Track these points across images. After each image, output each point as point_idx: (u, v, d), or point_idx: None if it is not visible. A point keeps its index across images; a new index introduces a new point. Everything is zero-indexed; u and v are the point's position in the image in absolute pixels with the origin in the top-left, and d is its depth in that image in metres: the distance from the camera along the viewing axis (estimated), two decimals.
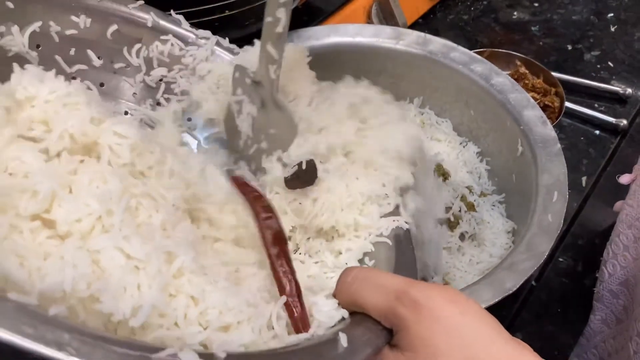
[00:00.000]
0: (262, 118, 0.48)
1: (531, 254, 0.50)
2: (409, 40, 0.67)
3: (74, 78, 0.49)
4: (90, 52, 0.50)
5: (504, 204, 0.62)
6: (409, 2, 0.86)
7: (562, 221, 0.52)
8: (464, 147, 0.67)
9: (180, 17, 0.53)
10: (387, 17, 0.81)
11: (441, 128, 0.69)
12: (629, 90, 0.81)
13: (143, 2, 0.52)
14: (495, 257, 0.57)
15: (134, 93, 0.52)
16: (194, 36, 0.53)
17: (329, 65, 0.66)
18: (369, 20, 0.82)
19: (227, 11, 0.60)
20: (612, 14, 0.95)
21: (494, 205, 0.62)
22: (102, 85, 0.51)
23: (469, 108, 0.66)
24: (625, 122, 0.77)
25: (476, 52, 0.67)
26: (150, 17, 0.51)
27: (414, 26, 0.88)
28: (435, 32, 0.89)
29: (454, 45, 0.67)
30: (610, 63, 0.87)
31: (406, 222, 0.44)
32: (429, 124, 0.69)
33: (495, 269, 0.50)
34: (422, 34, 0.68)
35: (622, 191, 0.70)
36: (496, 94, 0.62)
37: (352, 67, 0.67)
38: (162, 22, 0.52)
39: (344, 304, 0.36)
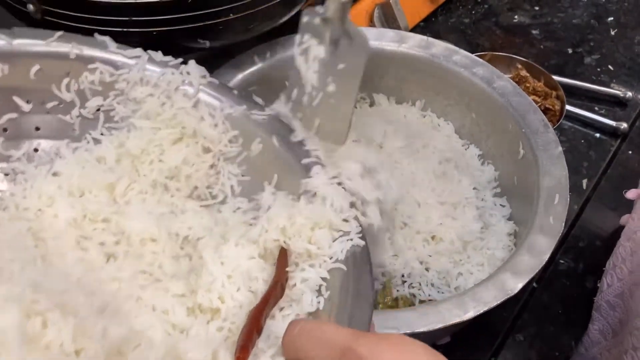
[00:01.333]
0: (331, 56, 0.47)
1: (532, 256, 0.50)
2: (411, 44, 0.67)
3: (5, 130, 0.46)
4: (16, 99, 0.47)
5: (506, 207, 0.62)
6: (411, 5, 0.86)
7: (564, 223, 0.52)
8: (465, 149, 0.67)
9: (106, 39, 0.50)
10: (389, 20, 0.82)
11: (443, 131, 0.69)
12: (629, 94, 0.82)
13: (62, 32, 0.48)
14: (496, 260, 0.57)
15: (73, 129, 0.48)
16: (123, 58, 0.50)
17: None
18: (371, 24, 0.82)
19: (231, 15, 0.61)
20: (612, 18, 0.95)
21: (495, 205, 0.63)
22: (37, 129, 0.48)
23: (470, 111, 0.66)
24: (625, 125, 0.77)
25: (477, 56, 0.68)
26: (71, 48, 0.48)
27: (415, 29, 0.89)
28: (437, 35, 0.89)
29: (456, 48, 0.67)
30: (610, 66, 0.87)
31: (361, 239, 0.41)
32: (430, 127, 0.70)
33: (497, 271, 0.50)
34: (425, 37, 0.68)
35: (622, 195, 0.71)
36: (498, 97, 0.63)
37: None
38: (86, 50, 0.49)
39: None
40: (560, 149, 0.58)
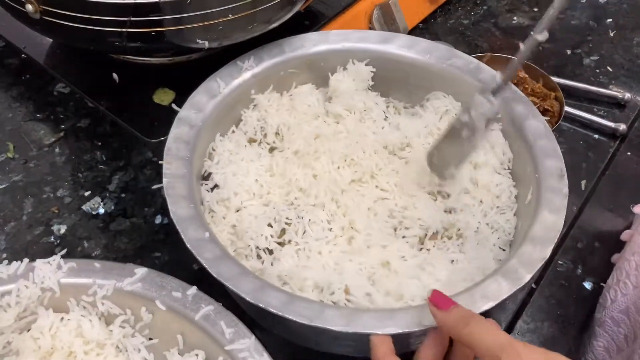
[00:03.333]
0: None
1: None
2: (459, 64, 0.66)
3: None
4: None
5: (506, 251, 0.58)
6: (410, 6, 0.86)
7: (535, 272, 0.49)
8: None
9: None
10: (388, 22, 0.82)
11: None
12: (628, 95, 0.82)
13: None
14: None
15: None
16: None
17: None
18: (370, 25, 0.82)
19: (230, 15, 0.61)
20: (610, 19, 0.95)
21: (493, 246, 0.58)
22: None
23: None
24: (624, 126, 0.77)
25: (476, 57, 0.68)
26: None
27: (414, 31, 0.89)
28: (436, 37, 0.89)
29: (494, 72, 0.64)
30: (609, 68, 0.87)
31: None
32: None
33: (464, 291, 0.49)
34: (473, 59, 0.67)
35: (621, 196, 0.71)
36: (525, 140, 0.60)
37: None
38: None
39: (452, 329, 0.42)
40: (565, 202, 0.54)
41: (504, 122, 0.63)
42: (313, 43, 0.67)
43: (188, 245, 0.48)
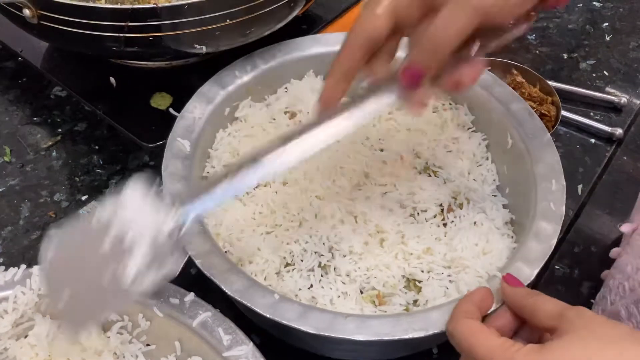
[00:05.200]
0: None
1: (540, 243, 0.51)
2: None
3: None
4: None
5: (498, 196, 0.61)
6: None
7: (564, 208, 0.53)
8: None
9: None
10: None
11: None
12: (624, 99, 0.82)
13: None
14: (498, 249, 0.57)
15: None
16: None
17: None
18: None
19: (228, 20, 0.61)
20: (607, 24, 0.96)
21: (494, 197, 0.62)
22: None
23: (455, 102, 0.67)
24: (620, 130, 0.78)
25: None
26: None
27: None
28: None
29: None
30: (605, 72, 0.87)
31: None
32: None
33: (510, 262, 0.51)
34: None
35: (617, 200, 0.71)
36: (479, 89, 0.63)
37: None
38: None
39: (519, 301, 0.45)
40: (548, 136, 0.58)
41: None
42: (242, 71, 0.64)
43: (268, 315, 0.46)
